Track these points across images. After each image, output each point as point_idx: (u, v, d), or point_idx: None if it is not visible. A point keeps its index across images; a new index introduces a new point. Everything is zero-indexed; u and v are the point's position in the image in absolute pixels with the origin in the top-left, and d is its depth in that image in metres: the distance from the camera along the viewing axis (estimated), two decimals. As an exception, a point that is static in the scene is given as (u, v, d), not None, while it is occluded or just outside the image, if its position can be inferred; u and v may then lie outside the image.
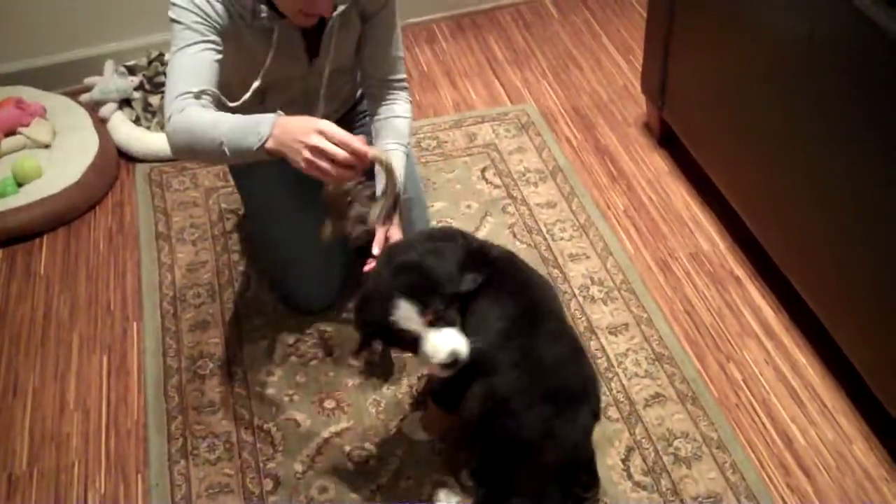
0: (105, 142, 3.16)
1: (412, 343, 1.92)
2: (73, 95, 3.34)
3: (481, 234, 2.84)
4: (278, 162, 2.03)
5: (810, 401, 2.40)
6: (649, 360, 2.49)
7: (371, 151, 1.95)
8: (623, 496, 2.20)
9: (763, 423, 2.36)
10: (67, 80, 3.43)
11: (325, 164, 1.91)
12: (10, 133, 3.12)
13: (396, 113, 2.44)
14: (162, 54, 3.41)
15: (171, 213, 2.99)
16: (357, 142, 1.92)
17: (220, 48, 2.16)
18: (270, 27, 2.23)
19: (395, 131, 2.42)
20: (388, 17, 2.37)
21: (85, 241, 2.93)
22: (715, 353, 2.52)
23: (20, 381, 2.53)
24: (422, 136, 3.23)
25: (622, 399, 2.40)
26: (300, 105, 2.42)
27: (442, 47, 3.71)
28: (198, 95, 2.09)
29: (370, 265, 2.09)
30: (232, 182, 2.80)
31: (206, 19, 2.14)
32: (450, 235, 2.05)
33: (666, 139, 3.15)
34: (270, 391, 2.46)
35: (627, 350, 2.52)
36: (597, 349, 2.52)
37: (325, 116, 2.54)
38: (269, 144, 1.96)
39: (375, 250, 2.11)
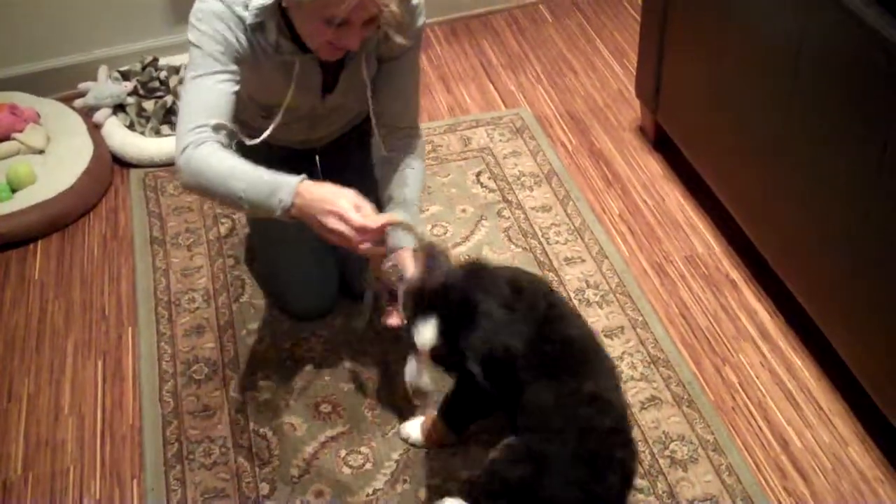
0: (99, 147, 3.15)
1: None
2: (67, 101, 3.34)
3: (476, 238, 2.85)
4: (277, 167, 2.03)
5: (806, 403, 2.41)
6: (645, 363, 2.49)
7: (387, 220, 1.98)
8: (620, 499, 2.20)
9: (759, 426, 2.36)
10: (61, 85, 3.43)
11: (344, 242, 1.96)
12: (4, 139, 3.11)
13: (411, 165, 2.35)
14: (156, 59, 3.41)
15: (166, 218, 2.99)
16: (372, 221, 1.94)
17: (238, 79, 2.12)
18: (291, 61, 2.20)
19: (407, 185, 2.33)
20: (409, 62, 2.31)
21: (79, 247, 2.92)
22: (711, 357, 2.53)
23: (15, 387, 2.53)
24: (416, 140, 3.23)
25: (618, 402, 2.40)
26: (306, 123, 2.44)
27: (436, 52, 3.71)
28: (216, 129, 2.06)
29: (393, 317, 2.17)
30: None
31: (227, 49, 2.09)
32: (535, 299, 2.01)
33: (660, 143, 3.16)
34: (266, 396, 2.46)
35: (623, 353, 2.52)
36: (592, 352, 2.52)
37: (331, 133, 2.55)
38: (293, 213, 1.98)
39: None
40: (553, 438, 1.91)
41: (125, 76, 3.35)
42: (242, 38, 2.11)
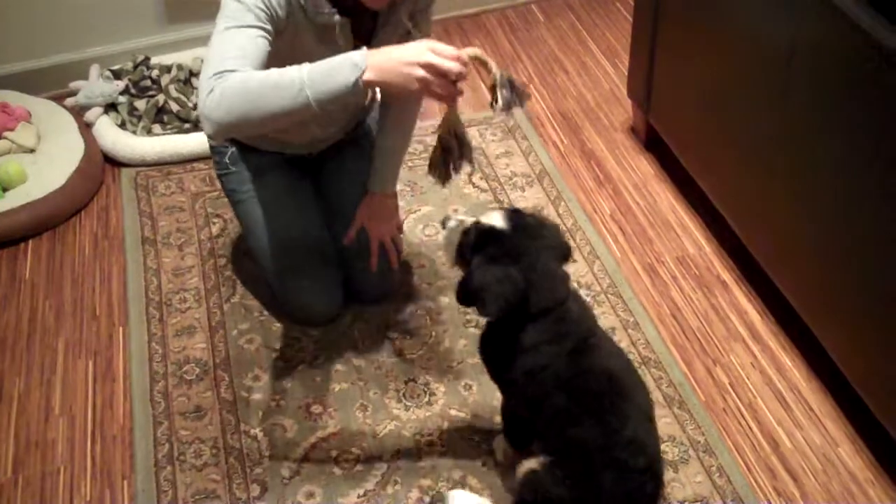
0: (90, 146, 3.14)
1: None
2: (59, 100, 3.33)
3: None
4: (274, 173, 2.01)
5: (796, 404, 2.41)
6: (636, 364, 2.49)
7: (466, 53, 1.87)
8: (610, 500, 2.20)
9: (750, 427, 2.37)
10: (52, 84, 3.42)
11: (441, 82, 1.82)
12: (-5, 137, 3.11)
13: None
14: (148, 58, 3.41)
15: (157, 217, 2.98)
16: (458, 52, 1.84)
17: (271, 42, 1.99)
18: (330, 25, 2.14)
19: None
20: (427, 17, 2.32)
21: (70, 246, 2.92)
22: (702, 357, 2.53)
23: (5, 387, 2.52)
24: (408, 140, 3.23)
25: (609, 403, 2.40)
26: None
27: (428, 51, 3.70)
28: None
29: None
30: (218, 187, 2.79)
31: (267, 7, 1.99)
32: (578, 325, 2.01)
33: (652, 143, 3.16)
34: (257, 396, 2.45)
35: (614, 354, 2.52)
36: (584, 353, 2.52)
37: (330, 136, 2.58)
38: (369, 76, 1.79)
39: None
40: (590, 474, 1.92)
41: (117, 75, 3.34)
42: (284, 3, 2.03)
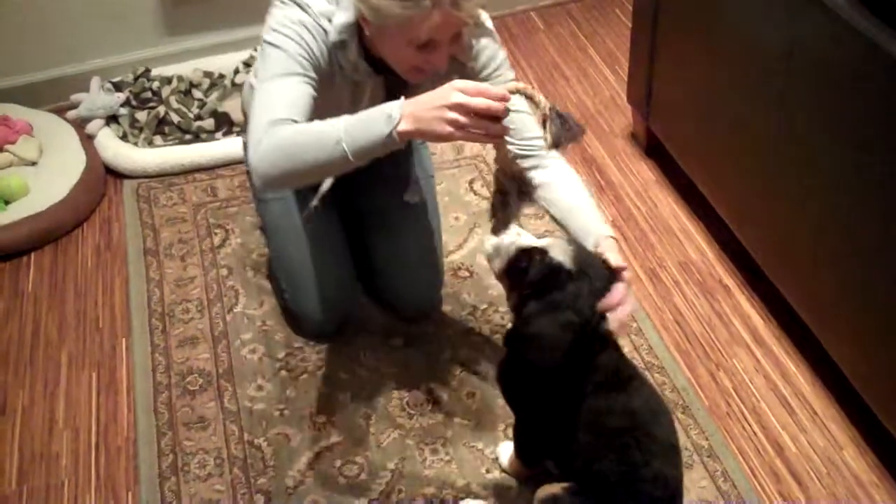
0: (92, 158, 3.15)
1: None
2: (60, 112, 3.34)
3: (470, 246, 2.85)
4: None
5: (800, 408, 2.41)
6: (639, 369, 2.48)
7: (506, 88, 1.78)
8: (615, 506, 2.20)
9: (754, 431, 2.36)
10: (54, 97, 3.43)
11: (473, 122, 1.71)
12: (-3, 151, 3.11)
13: (567, 188, 2.15)
14: (148, 70, 3.41)
15: (159, 228, 2.98)
16: (491, 87, 1.74)
17: (316, 87, 2.00)
18: (364, 82, 2.15)
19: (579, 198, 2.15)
20: (507, 72, 2.22)
21: (73, 259, 2.92)
22: (705, 362, 2.53)
23: (9, 400, 2.52)
24: (409, 148, 3.23)
25: (613, 409, 2.40)
26: None
27: (428, 60, 3.71)
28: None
29: None
30: (220, 196, 2.79)
31: (310, 56, 2.00)
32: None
33: (653, 149, 3.16)
34: (260, 406, 2.45)
35: (617, 360, 2.52)
36: (587, 359, 2.52)
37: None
38: (404, 126, 1.74)
39: None
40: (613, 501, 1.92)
41: (118, 87, 3.35)
42: (325, 51, 2.03)
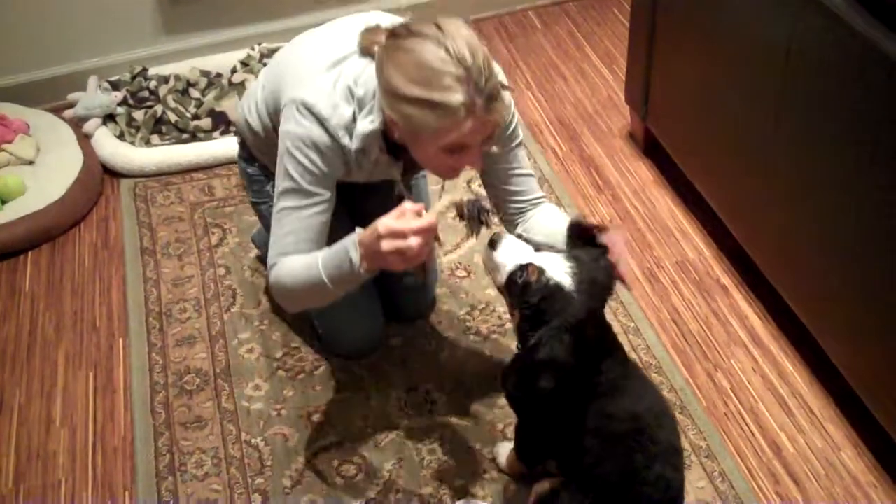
0: (89, 157, 3.14)
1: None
2: (57, 111, 3.33)
3: (468, 245, 2.85)
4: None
5: (798, 408, 2.41)
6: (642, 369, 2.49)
7: (432, 212, 1.88)
8: (613, 507, 2.20)
9: (752, 432, 2.36)
10: (51, 96, 3.43)
11: (410, 253, 1.82)
12: (-6, 150, 3.11)
13: (546, 216, 2.24)
14: (145, 69, 3.41)
15: (157, 228, 2.98)
16: (414, 220, 1.82)
17: (331, 202, 2.08)
18: (382, 165, 2.14)
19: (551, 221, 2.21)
20: (510, 151, 2.20)
21: (70, 258, 2.92)
22: (703, 362, 2.53)
23: (6, 399, 2.52)
24: (407, 148, 3.23)
25: (611, 409, 2.40)
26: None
27: (426, 59, 3.71)
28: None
29: None
30: (217, 196, 2.79)
31: (325, 178, 2.04)
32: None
33: (650, 149, 3.16)
34: (258, 406, 2.45)
35: (615, 360, 2.51)
36: (585, 359, 2.52)
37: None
38: (366, 267, 1.89)
39: None
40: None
41: (115, 86, 3.35)
42: (341, 162, 2.05)
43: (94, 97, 3.28)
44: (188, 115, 3.25)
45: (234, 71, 3.39)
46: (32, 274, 2.87)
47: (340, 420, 2.41)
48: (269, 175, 2.34)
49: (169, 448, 2.36)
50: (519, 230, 2.25)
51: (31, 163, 3.11)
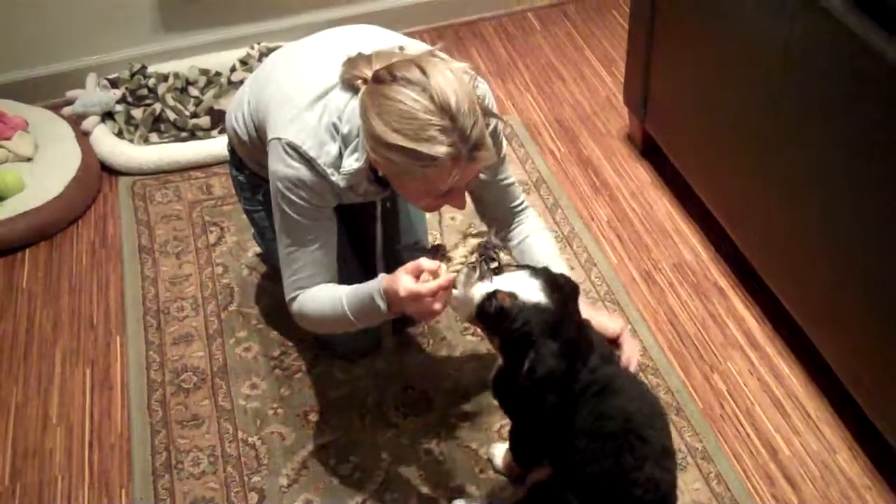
0: (87, 155, 3.14)
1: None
2: (56, 109, 3.33)
3: (466, 246, 2.84)
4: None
5: (794, 411, 2.41)
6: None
7: (450, 270, 1.89)
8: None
9: (747, 434, 2.37)
10: (50, 93, 3.43)
11: (434, 309, 1.88)
12: (-8, 147, 3.10)
13: (528, 233, 2.26)
14: (144, 67, 3.41)
15: (155, 226, 2.98)
16: (431, 282, 1.85)
17: (334, 225, 2.11)
18: (368, 192, 2.13)
19: (538, 248, 2.24)
20: (497, 166, 2.19)
21: (67, 255, 2.92)
22: (699, 364, 2.53)
23: (2, 396, 2.52)
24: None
25: (607, 410, 2.40)
26: None
27: (425, 59, 3.71)
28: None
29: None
30: (216, 195, 2.79)
31: (318, 212, 2.05)
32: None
33: (649, 150, 3.17)
34: (254, 404, 2.45)
35: (612, 361, 2.52)
36: (581, 360, 2.52)
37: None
38: (394, 311, 1.97)
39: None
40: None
41: (114, 84, 3.35)
42: (332, 195, 2.05)
43: (93, 95, 3.28)
44: (187, 113, 3.25)
45: (233, 69, 3.39)
46: (30, 271, 2.87)
47: (337, 419, 2.41)
48: (259, 182, 2.34)
49: (166, 446, 2.36)
50: (512, 245, 2.27)
51: (29, 160, 3.11)
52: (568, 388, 1.88)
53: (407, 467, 2.30)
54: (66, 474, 2.34)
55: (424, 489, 2.25)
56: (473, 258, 1.91)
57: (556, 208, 2.98)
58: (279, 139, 1.99)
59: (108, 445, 2.39)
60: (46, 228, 2.95)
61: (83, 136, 3.23)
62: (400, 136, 1.80)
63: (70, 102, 3.32)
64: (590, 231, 2.91)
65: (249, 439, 2.37)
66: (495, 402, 2.25)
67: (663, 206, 3.01)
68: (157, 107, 3.25)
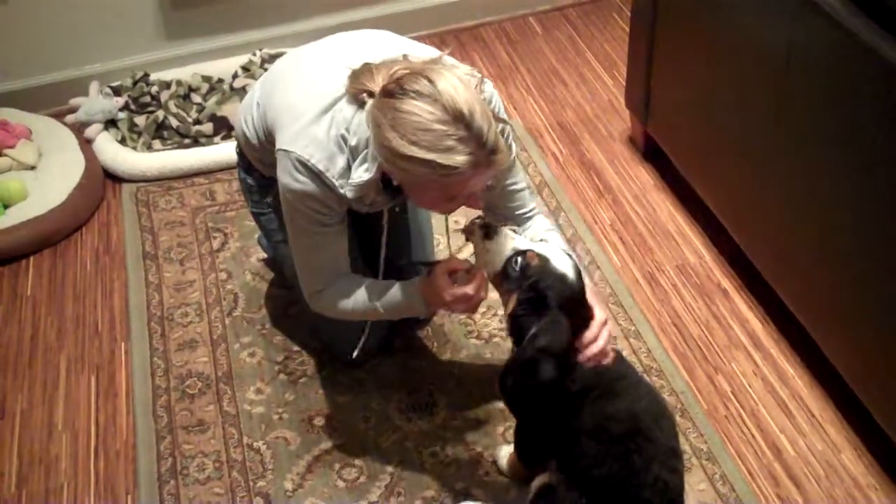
0: (91, 162, 3.15)
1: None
2: (59, 117, 3.34)
3: (469, 249, 2.84)
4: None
5: (798, 411, 2.41)
6: (639, 372, 2.49)
7: (478, 265, 2.03)
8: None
9: (752, 434, 2.37)
10: (53, 101, 3.43)
11: (481, 299, 2.05)
12: (-4, 155, 3.11)
13: (536, 233, 2.25)
14: (147, 74, 3.42)
15: (158, 232, 2.99)
16: (466, 286, 2.02)
17: (346, 223, 2.13)
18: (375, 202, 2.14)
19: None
20: (506, 171, 2.19)
21: (72, 262, 2.92)
22: (703, 365, 2.53)
23: (8, 403, 2.52)
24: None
25: (611, 412, 2.40)
26: None
27: (427, 64, 3.71)
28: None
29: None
30: (219, 201, 2.79)
31: (331, 215, 2.06)
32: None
33: (651, 153, 3.17)
34: (259, 409, 2.46)
35: (616, 363, 2.52)
36: (585, 363, 2.52)
37: None
38: (431, 310, 2.21)
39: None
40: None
41: (116, 91, 3.36)
42: (340, 207, 2.06)
43: (96, 102, 3.29)
44: (190, 120, 3.26)
45: (235, 76, 3.40)
46: (34, 279, 2.87)
47: (342, 423, 2.42)
48: (268, 185, 2.33)
49: (171, 452, 2.37)
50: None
51: (32, 168, 3.12)
52: (566, 370, 1.88)
53: (412, 471, 2.30)
54: (72, 481, 2.34)
55: (430, 492, 2.26)
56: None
57: (559, 211, 2.99)
58: (287, 152, 1.99)
59: (113, 452, 2.40)
60: (50, 236, 2.96)
61: (86, 144, 3.23)
62: (418, 149, 1.80)
63: (73, 110, 3.33)
64: (593, 234, 2.92)
65: (255, 444, 2.38)
66: (500, 405, 2.26)
67: (666, 209, 3.01)
68: (160, 114, 3.25)
